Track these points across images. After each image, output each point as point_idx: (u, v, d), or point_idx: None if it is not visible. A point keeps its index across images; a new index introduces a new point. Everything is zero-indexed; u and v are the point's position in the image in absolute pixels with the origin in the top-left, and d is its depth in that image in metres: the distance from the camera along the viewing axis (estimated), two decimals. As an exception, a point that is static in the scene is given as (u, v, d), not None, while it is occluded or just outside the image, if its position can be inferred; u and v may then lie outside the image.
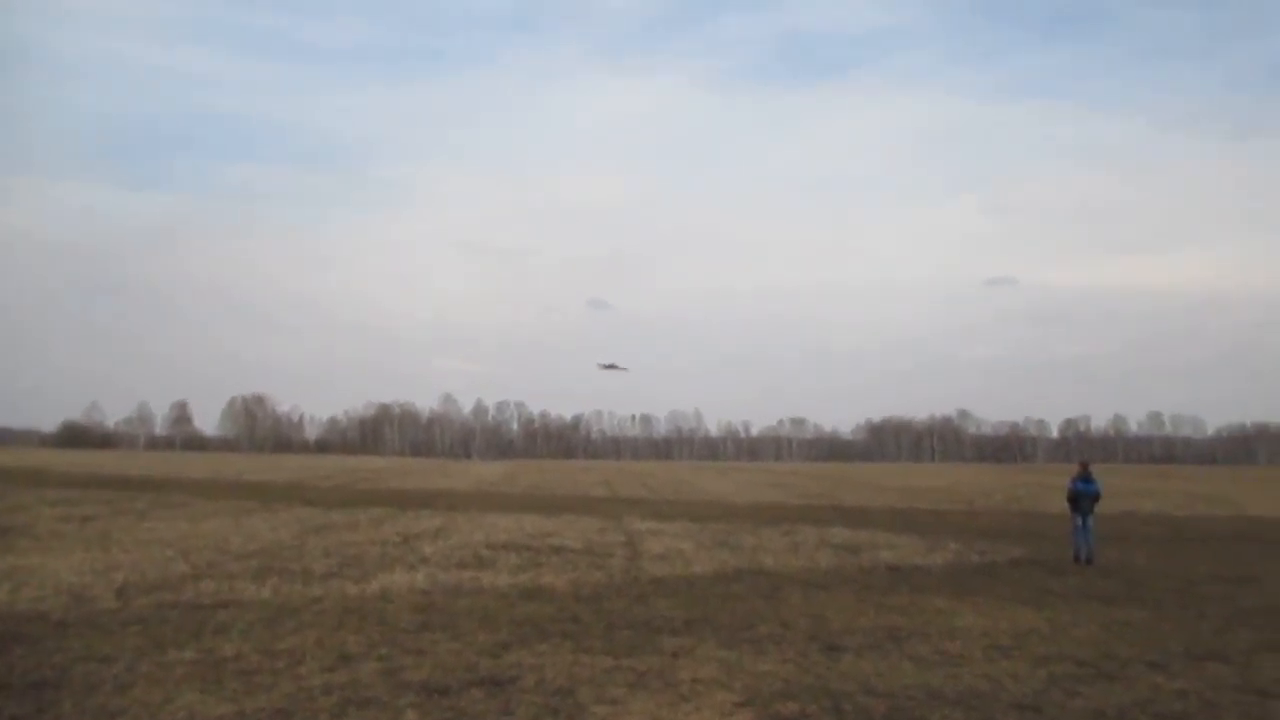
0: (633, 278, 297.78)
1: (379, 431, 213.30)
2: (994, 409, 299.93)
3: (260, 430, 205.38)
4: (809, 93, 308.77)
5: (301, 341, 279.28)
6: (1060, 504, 25.61)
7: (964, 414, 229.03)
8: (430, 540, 22.97)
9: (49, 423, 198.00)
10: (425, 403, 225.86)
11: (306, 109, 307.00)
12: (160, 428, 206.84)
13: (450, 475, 73.81)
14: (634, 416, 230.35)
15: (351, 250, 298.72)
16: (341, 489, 49.87)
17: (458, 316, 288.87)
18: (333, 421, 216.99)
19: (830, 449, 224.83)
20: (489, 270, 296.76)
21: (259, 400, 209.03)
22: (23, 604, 13.63)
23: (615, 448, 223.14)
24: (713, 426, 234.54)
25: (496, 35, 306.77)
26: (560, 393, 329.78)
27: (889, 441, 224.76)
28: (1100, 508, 23.43)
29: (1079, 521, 22.36)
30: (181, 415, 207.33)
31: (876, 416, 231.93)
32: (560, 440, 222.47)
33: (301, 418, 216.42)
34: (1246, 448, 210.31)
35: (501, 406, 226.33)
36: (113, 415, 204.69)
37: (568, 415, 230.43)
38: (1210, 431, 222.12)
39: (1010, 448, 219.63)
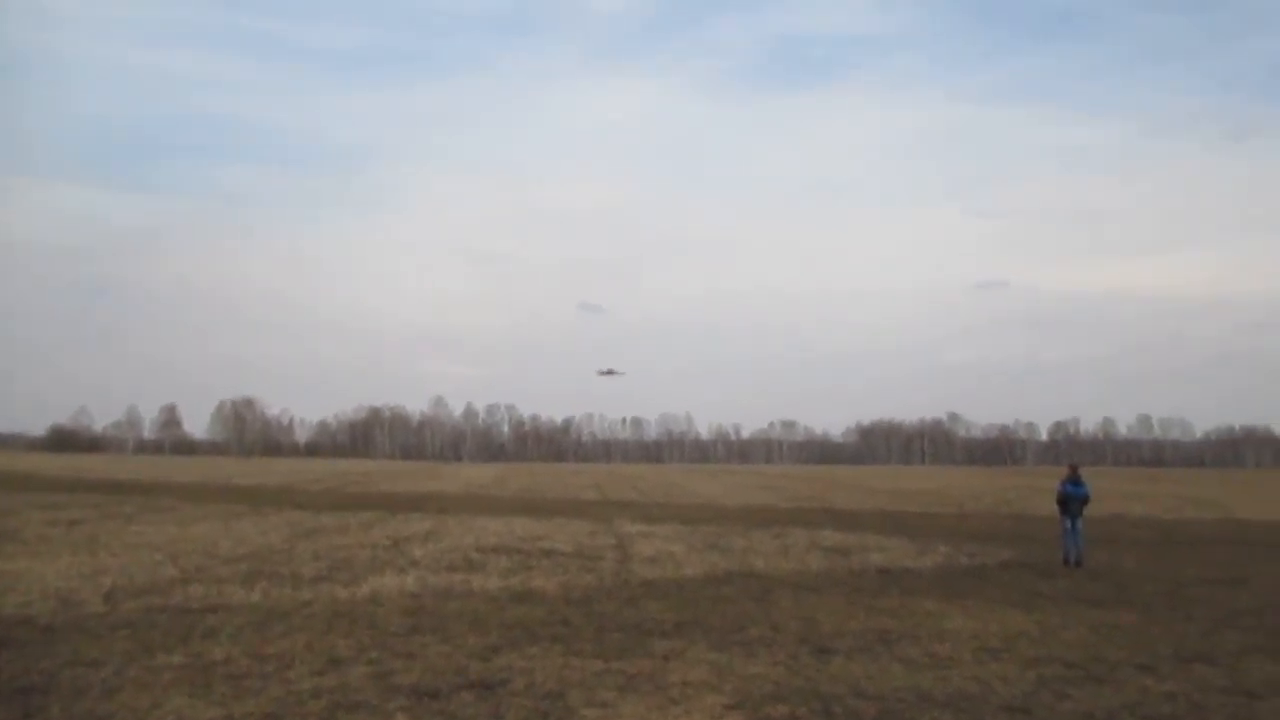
0: (624, 281, 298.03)
1: (369, 435, 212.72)
2: (984, 412, 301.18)
3: (250, 434, 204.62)
4: (802, 96, 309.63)
5: (291, 344, 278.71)
6: (1049, 507, 25.70)
7: (954, 417, 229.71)
8: (420, 543, 22.94)
9: (37, 426, 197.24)
10: (416, 406, 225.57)
11: (299, 111, 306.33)
12: (149, 431, 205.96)
13: (441, 478, 73.71)
14: (625, 419, 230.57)
15: (343, 253, 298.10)
16: (331, 492, 49.77)
17: (448, 319, 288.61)
18: (323, 424, 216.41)
19: (821, 452, 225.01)
20: (480, 273, 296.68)
21: (248, 403, 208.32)
22: (10, 608, 13.55)
23: (606, 451, 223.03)
24: (703, 429, 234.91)
25: (491, 38, 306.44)
26: (551, 396, 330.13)
27: (879, 444, 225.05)
28: (1089, 510, 23.50)
29: (1068, 524, 22.42)
30: (170, 419, 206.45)
31: (867, 419, 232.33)
32: (551, 443, 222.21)
33: (291, 421, 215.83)
34: (1235, 451, 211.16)
35: (492, 409, 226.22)
36: (101, 419, 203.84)
37: (558, 418, 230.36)
38: (1199, 435, 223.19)
39: (1000, 450, 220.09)
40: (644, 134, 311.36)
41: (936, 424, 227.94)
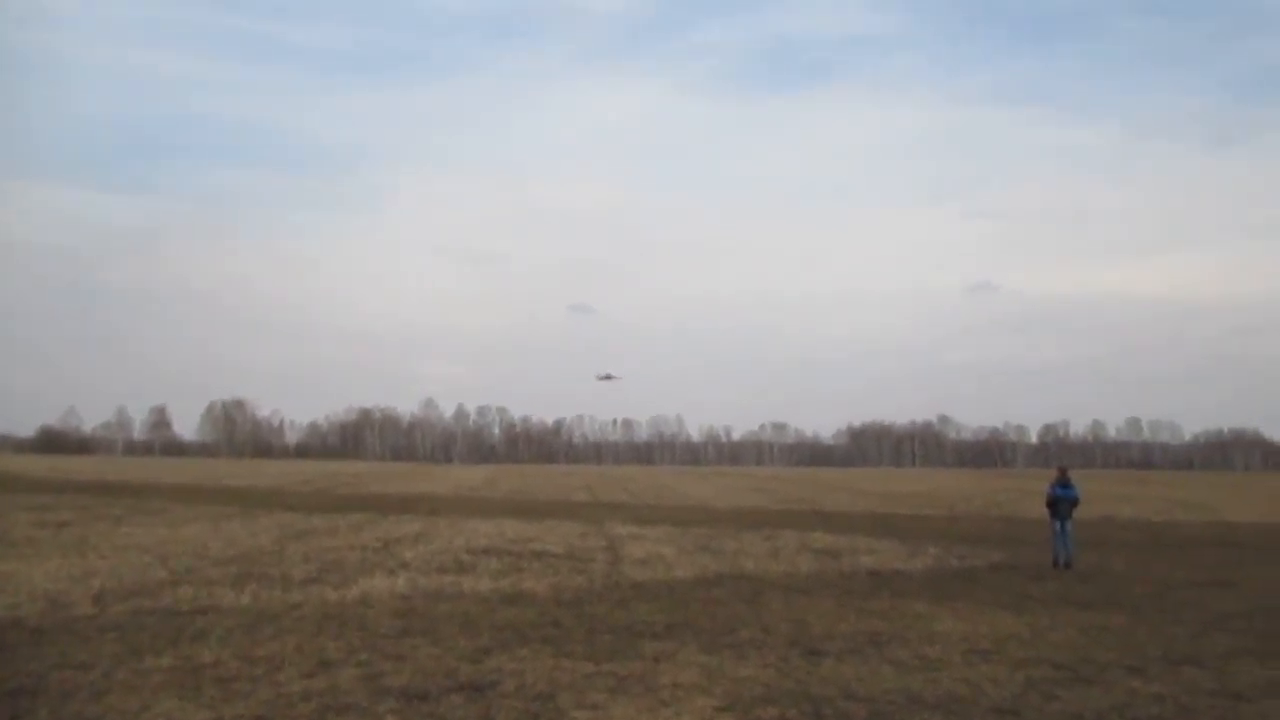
0: (615, 282, 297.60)
1: (360, 436, 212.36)
2: (974, 414, 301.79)
3: (240, 435, 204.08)
4: (796, 97, 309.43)
5: (282, 345, 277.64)
6: (1039, 509, 25.76)
7: (944, 419, 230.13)
8: (411, 545, 22.92)
9: (26, 428, 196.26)
10: (406, 407, 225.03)
11: (293, 112, 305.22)
12: (138, 433, 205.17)
13: (431, 480, 73.64)
14: (615, 421, 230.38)
15: (334, 254, 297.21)
16: (322, 494, 49.70)
17: (440, 320, 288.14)
18: (313, 426, 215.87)
19: (811, 454, 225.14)
20: (471, 274, 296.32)
21: (239, 405, 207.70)
22: (-2, 610, 13.52)
23: (597, 452, 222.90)
24: (694, 431, 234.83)
25: (482, 39, 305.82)
26: (542, 397, 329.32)
27: (870, 446, 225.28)
28: (1079, 513, 23.56)
29: (1058, 527, 22.49)
30: (160, 420, 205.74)
31: (857, 421, 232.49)
32: (542, 445, 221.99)
33: (282, 422, 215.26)
34: (1223, 454, 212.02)
35: (483, 411, 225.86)
36: (90, 420, 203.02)
37: (549, 420, 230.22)
38: (1187, 437, 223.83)
39: (990, 453, 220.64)
40: (638, 135, 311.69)
41: (927, 426, 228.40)
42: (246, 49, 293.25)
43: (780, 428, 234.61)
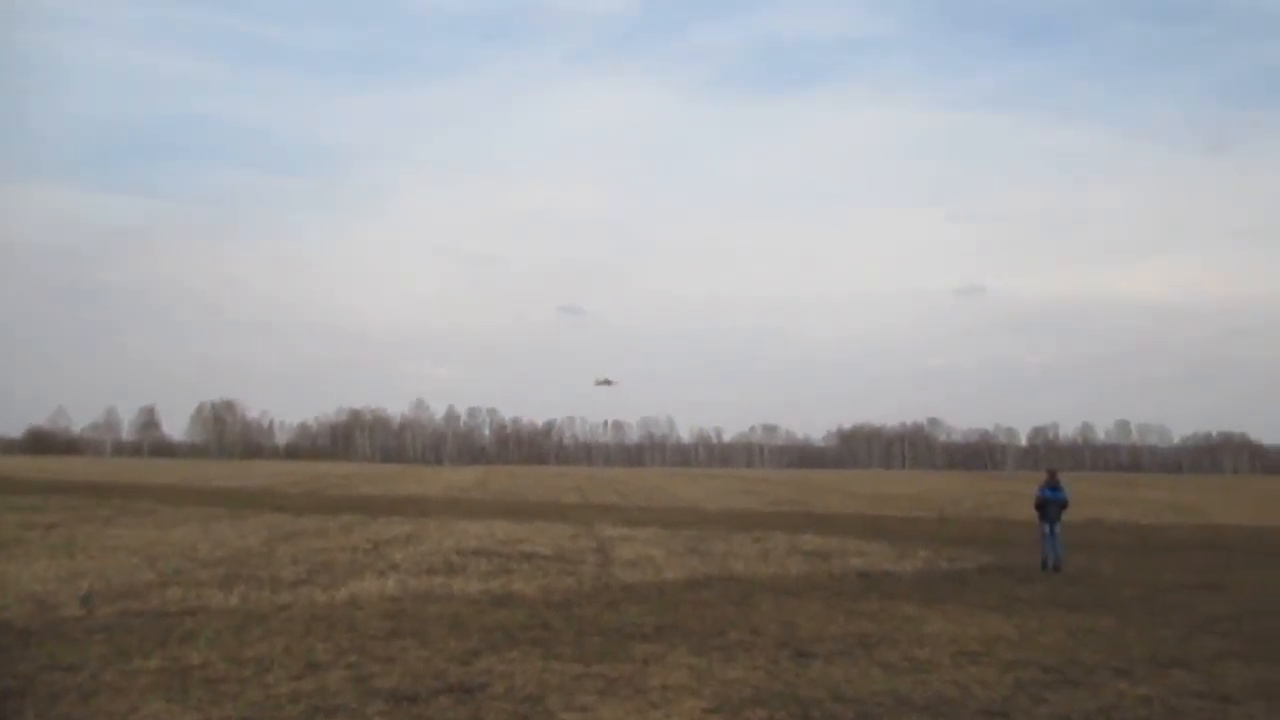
0: (606, 284, 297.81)
1: (350, 437, 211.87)
2: (964, 417, 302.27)
3: (229, 436, 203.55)
4: (784, 101, 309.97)
5: (272, 346, 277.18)
6: (1029, 512, 25.80)
7: (934, 422, 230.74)
8: (400, 547, 22.88)
9: (14, 428, 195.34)
10: (397, 408, 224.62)
11: (286, 113, 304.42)
12: (127, 433, 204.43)
13: (422, 481, 73.52)
14: (606, 422, 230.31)
15: (326, 254, 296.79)
16: (311, 495, 49.58)
17: (430, 322, 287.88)
18: (303, 427, 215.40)
19: (802, 456, 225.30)
20: (462, 275, 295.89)
21: (228, 406, 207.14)
22: (-15, 611, 13.46)
23: (587, 453, 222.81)
24: (685, 433, 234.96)
25: (474, 41, 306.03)
26: (533, 398, 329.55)
27: (860, 448, 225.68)
28: (1068, 515, 23.61)
29: (1047, 529, 22.52)
30: (149, 421, 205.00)
31: (848, 424, 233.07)
32: (532, 446, 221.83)
33: (271, 423, 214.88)
34: (1212, 457, 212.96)
35: (474, 412, 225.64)
36: (79, 421, 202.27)
37: (540, 421, 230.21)
38: (1176, 440, 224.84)
39: (980, 455, 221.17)
40: (629, 137, 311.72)
41: (917, 429, 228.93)
42: (242, 50, 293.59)
43: (770, 429, 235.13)
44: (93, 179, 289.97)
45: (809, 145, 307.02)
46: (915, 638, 13.13)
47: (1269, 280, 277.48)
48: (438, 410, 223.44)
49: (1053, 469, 24.50)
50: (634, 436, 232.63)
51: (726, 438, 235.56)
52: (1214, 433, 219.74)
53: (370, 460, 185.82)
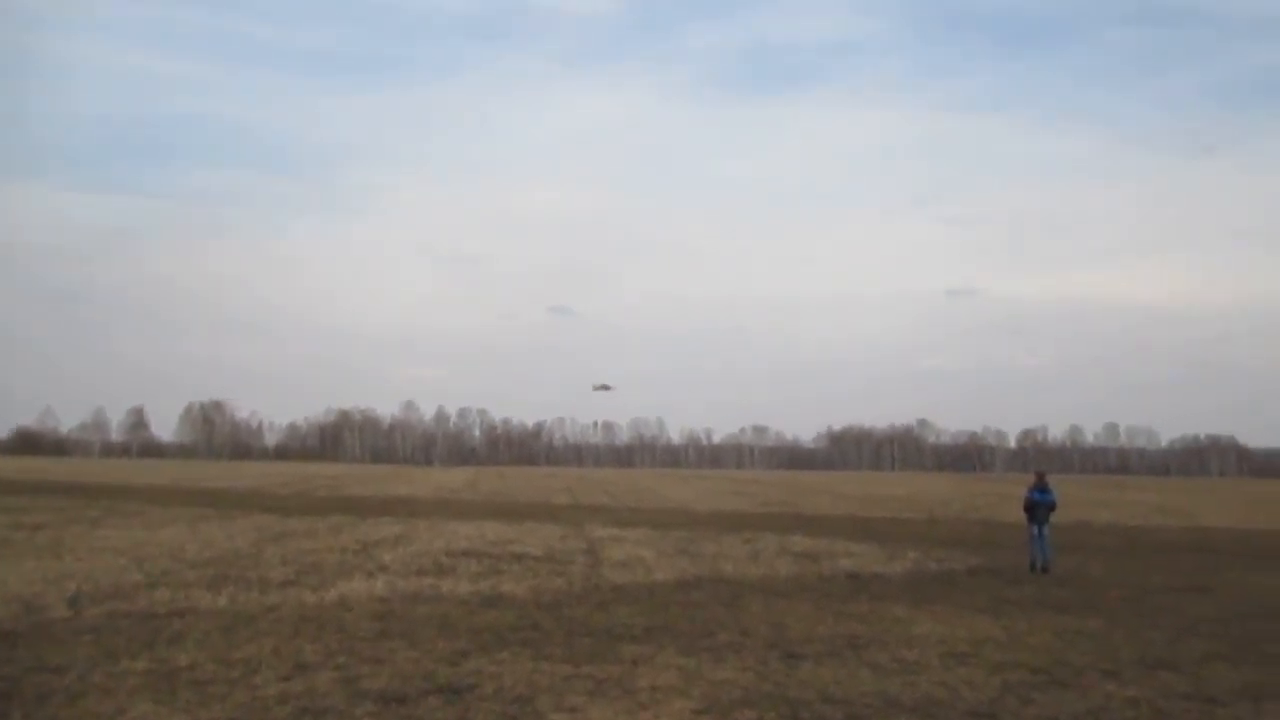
0: (595, 285, 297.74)
1: (339, 438, 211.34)
2: (953, 419, 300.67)
3: (218, 437, 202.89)
4: (774, 103, 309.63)
5: (262, 346, 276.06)
6: (1017, 513, 25.88)
7: (924, 423, 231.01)
8: (390, 547, 22.84)
9: (1, 429, 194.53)
10: (386, 409, 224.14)
11: (274, 114, 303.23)
12: (116, 434, 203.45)
13: (411, 482, 73.37)
14: (596, 423, 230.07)
15: (315, 255, 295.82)
16: (300, 496, 49.46)
17: (420, 322, 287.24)
18: (292, 428, 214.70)
19: (791, 457, 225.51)
20: (452, 276, 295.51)
21: (217, 406, 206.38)
22: (-28, 612, 13.40)
23: (577, 454, 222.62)
24: (675, 434, 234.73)
25: (466, 42, 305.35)
26: (522, 399, 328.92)
27: (850, 450, 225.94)
28: (1056, 517, 23.69)
29: (1035, 531, 22.58)
30: (138, 421, 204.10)
31: (837, 425, 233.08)
32: (522, 447, 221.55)
33: (261, 424, 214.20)
34: (1200, 459, 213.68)
35: (463, 413, 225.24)
36: (67, 421, 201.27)
37: (530, 422, 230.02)
38: (1165, 443, 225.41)
39: (969, 457, 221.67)
40: (617, 139, 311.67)
41: (906, 430, 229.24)
42: (231, 50, 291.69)
43: (760, 431, 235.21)
44: (81, 178, 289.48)
45: (800, 147, 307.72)
46: (904, 639, 13.16)
47: (1258, 283, 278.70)
48: (427, 411, 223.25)
49: (1041, 471, 24.54)
50: (624, 437, 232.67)
51: (716, 439, 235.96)
52: (1202, 436, 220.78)
53: (360, 461, 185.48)
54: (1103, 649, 12.93)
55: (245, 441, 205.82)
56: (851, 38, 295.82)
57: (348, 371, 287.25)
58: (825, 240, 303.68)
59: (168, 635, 12.11)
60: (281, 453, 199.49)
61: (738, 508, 47.10)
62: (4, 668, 10.25)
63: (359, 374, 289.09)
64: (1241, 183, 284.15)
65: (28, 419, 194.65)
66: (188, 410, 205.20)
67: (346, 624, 13.20)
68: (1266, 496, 74.47)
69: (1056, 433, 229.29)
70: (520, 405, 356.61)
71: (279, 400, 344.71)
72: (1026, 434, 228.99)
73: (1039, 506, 22.72)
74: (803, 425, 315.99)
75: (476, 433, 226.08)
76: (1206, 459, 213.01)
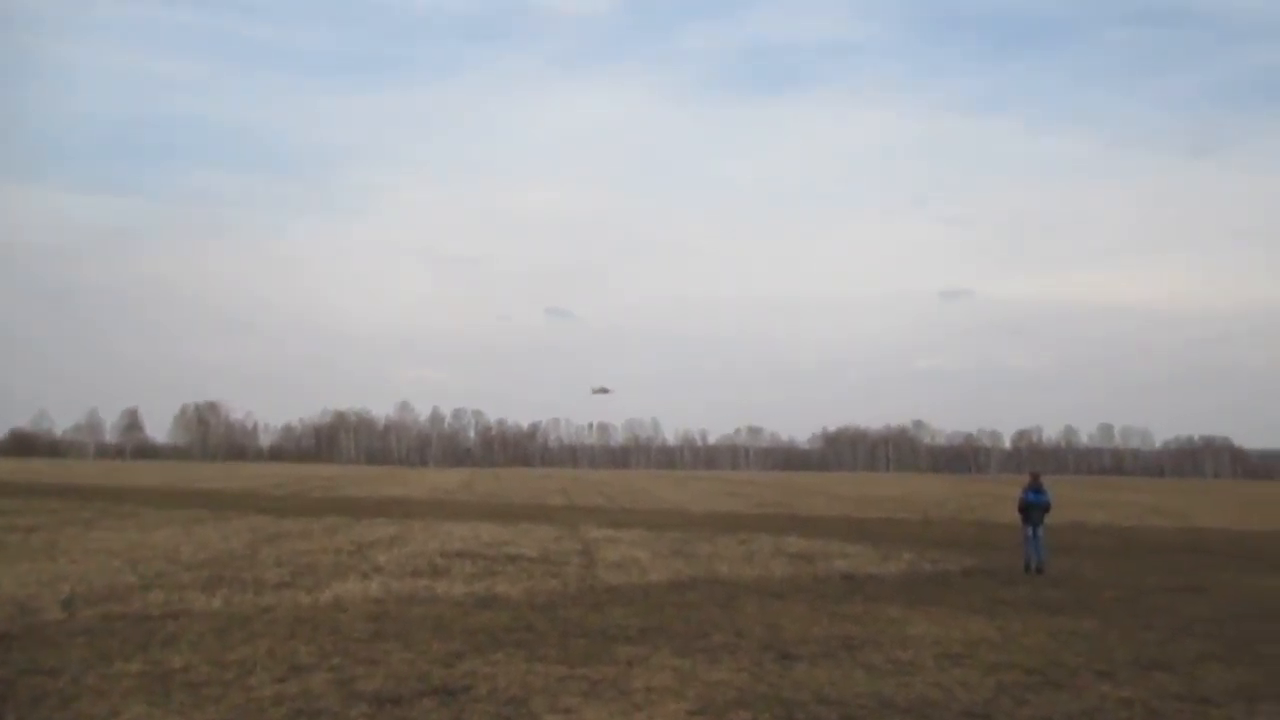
0: (591, 286, 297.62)
1: (334, 439, 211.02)
2: (948, 420, 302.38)
3: (213, 438, 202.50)
4: (770, 104, 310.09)
5: (256, 347, 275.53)
6: (1012, 514, 25.90)
7: (919, 424, 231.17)
8: (385, 549, 22.81)
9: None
10: (382, 410, 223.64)
11: (271, 115, 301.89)
12: (110, 435, 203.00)
13: (406, 483, 73.33)
14: (591, 424, 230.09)
15: (311, 256, 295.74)
16: (295, 497, 49.41)
17: (415, 323, 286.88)
18: (287, 429, 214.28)
19: (787, 458, 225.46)
20: (448, 277, 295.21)
21: (212, 407, 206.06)
22: (-35, 614, 13.36)
23: (572, 456, 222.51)
24: (670, 435, 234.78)
25: (464, 44, 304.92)
26: (518, 400, 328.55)
27: (845, 451, 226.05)
28: (1050, 518, 23.72)
29: (1030, 532, 22.62)
30: (132, 423, 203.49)
31: (833, 426, 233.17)
32: (517, 448, 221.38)
33: (255, 425, 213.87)
34: (1194, 461, 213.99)
35: (459, 414, 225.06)
36: (61, 423, 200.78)
37: (525, 423, 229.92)
38: (1159, 444, 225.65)
39: (964, 458, 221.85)
40: (614, 139, 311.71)
41: (901, 431, 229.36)
42: (226, 51, 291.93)
43: (756, 432, 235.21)
44: (76, 179, 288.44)
45: (795, 148, 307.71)
46: (898, 640, 13.18)
47: (1253, 285, 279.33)
48: (423, 412, 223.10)
49: (1036, 472, 24.59)
50: (619, 438, 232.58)
51: (712, 440, 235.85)
52: (1196, 437, 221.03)
53: (355, 462, 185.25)
54: (1097, 650, 12.95)
55: (240, 443, 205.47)
56: (850, 38, 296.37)
57: (343, 372, 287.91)
58: (822, 241, 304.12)
59: (162, 637, 12.09)
60: (276, 454, 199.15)
61: (733, 509, 47.13)
62: (-3, 670, 10.22)
63: (354, 375, 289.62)
64: (1239, 184, 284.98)
65: (21, 421, 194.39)
66: (182, 411, 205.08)
67: (341, 625, 13.19)
68: (1261, 498, 74.69)
69: (1051, 434, 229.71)
70: (515, 406, 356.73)
71: (274, 401, 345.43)
72: (1021, 435, 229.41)
73: (1034, 507, 22.76)
74: (798, 426, 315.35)
75: (472, 434, 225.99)
76: (1201, 460, 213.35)
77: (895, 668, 11.38)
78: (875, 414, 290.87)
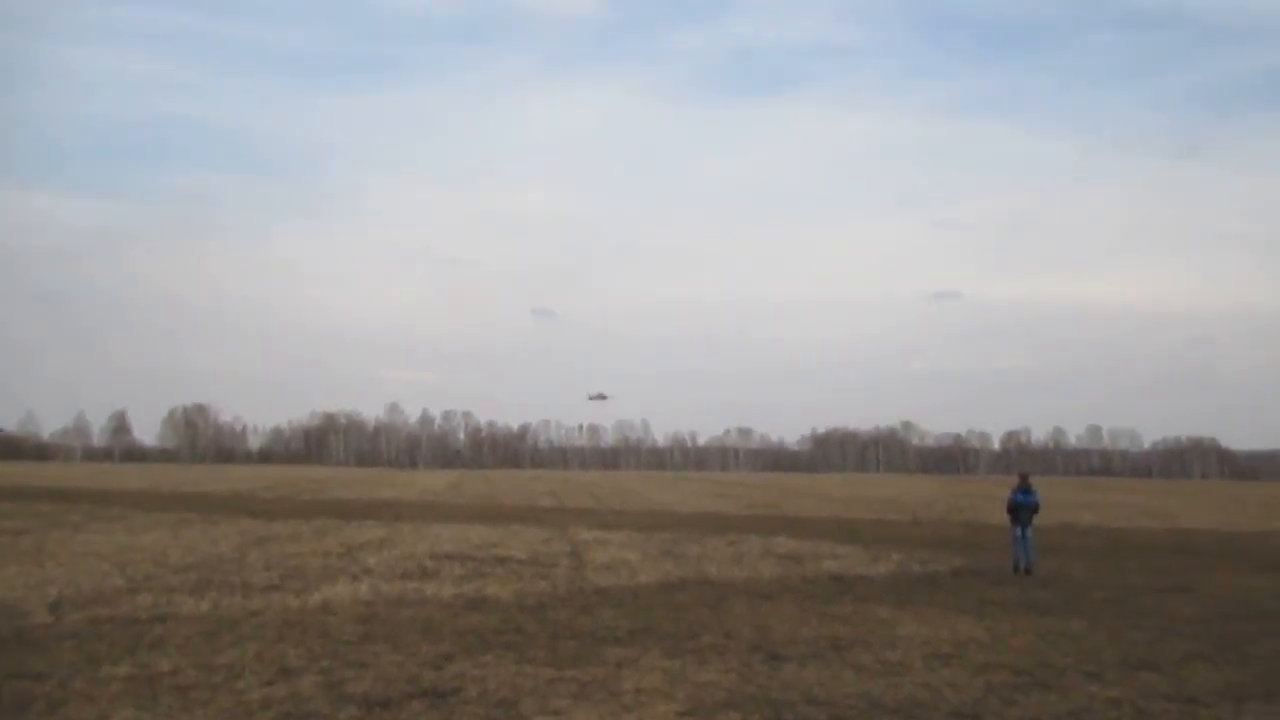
0: (579, 287, 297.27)
1: (324, 441, 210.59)
2: (937, 421, 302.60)
3: (202, 440, 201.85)
4: (758, 106, 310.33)
5: (245, 350, 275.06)
6: (1001, 515, 25.98)
7: (908, 425, 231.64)
8: (374, 551, 22.78)
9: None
10: (371, 412, 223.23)
11: (258, 117, 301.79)
12: (98, 439, 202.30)
13: (396, 485, 73.17)
14: (581, 426, 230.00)
15: (299, 258, 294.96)
16: (284, 500, 49.25)
17: (404, 325, 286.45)
18: (276, 431, 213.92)
19: (776, 459, 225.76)
20: (436, 279, 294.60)
21: (200, 410, 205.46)
22: (-48, 618, 13.30)
23: (562, 457, 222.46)
24: (660, 436, 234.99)
25: (451, 46, 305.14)
26: (507, 402, 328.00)
27: (834, 452, 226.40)
28: (1039, 519, 23.76)
29: (1018, 532, 22.67)
30: (120, 425, 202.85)
31: (822, 427, 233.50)
32: (507, 449, 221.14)
33: (244, 427, 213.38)
34: (1182, 462, 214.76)
35: (448, 416, 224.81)
36: (49, 426, 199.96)
37: (515, 425, 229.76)
38: (1147, 445, 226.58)
39: (953, 459, 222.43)
40: (602, 141, 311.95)
41: (891, 432, 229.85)
42: (215, 52, 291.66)
43: (746, 433, 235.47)
44: (64, 181, 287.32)
45: (784, 150, 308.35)
46: (887, 640, 13.21)
47: (1240, 287, 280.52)
48: (412, 414, 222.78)
49: (1025, 473, 24.64)
50: (609, 440, 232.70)
51: (701, 441, 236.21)
52: (1184, 438, 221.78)
53: (344, 464, 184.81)
54: (1085, 650, 13.00)
55: (229, 445, 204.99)
56: (841, 40, 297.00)
57: (332, 375, 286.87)
58: (810, 243, 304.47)
59: (150, 640, 12.06)
60: (265, 456, 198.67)
61: (722, 510, 47.14)
62: (-16, 674, 10.18)
63: (344, 377, 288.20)
64: (1227, 186, 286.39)
65: (8, 424, 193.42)
66: (170, 414, 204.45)
67: (330, 628, 13.16)
68: (1248, 498, 74.93)
69: (1040, 435, 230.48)
70: (505, 408, 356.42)
71: (263, 404, 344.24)
72: (1010, 436, 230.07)
73: (1022, 508, 22.82)
74: (787, 427, 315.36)
75: (461, 435, 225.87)
76: (1189, 461, 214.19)
77: (884, 668, 11.41)
78: (865, 415, 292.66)
